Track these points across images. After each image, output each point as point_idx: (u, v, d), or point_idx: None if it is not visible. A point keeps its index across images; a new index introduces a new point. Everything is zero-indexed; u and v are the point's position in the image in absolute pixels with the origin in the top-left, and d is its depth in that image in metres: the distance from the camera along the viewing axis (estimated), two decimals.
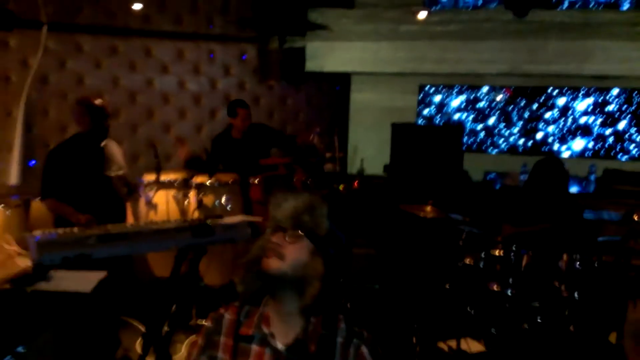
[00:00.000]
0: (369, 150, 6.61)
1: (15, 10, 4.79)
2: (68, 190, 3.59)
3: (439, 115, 6.66)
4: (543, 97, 6.30)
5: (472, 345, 3.60)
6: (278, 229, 1.57)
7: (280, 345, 1.55)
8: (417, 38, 5.95)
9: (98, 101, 3.72)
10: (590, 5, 5.65)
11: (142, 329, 4.20)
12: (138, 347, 3.98)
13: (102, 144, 3.76)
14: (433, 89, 6.67)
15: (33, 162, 5.01)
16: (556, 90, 6.26)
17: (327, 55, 6.36)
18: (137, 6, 4.93)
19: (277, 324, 1.57)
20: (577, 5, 5.67)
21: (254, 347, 1.54)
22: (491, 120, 6.50)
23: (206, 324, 1.64)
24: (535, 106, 6.34)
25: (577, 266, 3.27)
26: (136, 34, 5.70)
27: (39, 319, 1.75)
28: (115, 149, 3.93)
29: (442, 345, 3.65)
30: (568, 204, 3.67)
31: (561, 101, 6.27)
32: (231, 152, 4.83)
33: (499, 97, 5.63)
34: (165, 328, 3.26)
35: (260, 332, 1.56)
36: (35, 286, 2.01)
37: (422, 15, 4.07)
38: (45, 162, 3.72)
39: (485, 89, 6.49)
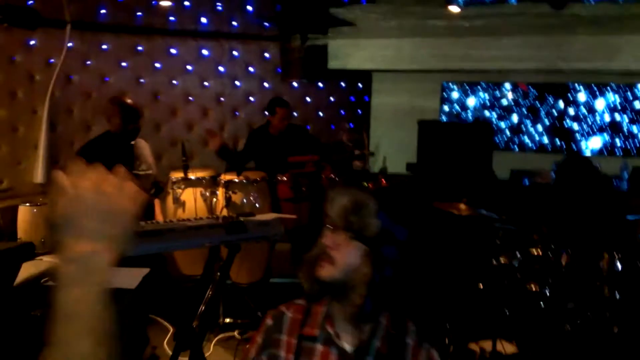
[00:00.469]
0: (390, 148, 6.54)
1: (39, 10, 4.77)
2: None
3: (462, 113, 6.57)
4: (569, 94, 6.20)
5: (505, 347, 3.52)
6: (328, 229, 1.53)
7: (347, 346, 1.49)
8: (440, 34, 5.88)
9: (130, 101, 3.70)
10: None
11: (170, 327, 4.18)
12: (166, 345, 3.96)
13: (132, 142, 3.73)
14: (456, 86, 6.59)
15: None
16: (582, 87, 6.15)
17: (349, 53, 6.30)
18: (165, 3, 4.89)
19: (342, 323, 1.51)
20: None
21: (319, 347, 1.49)
22: (516, 118, 6.41)
23: (266, 321, 1.59)
24: (561, 103, 6.23)
25: (618, 265, 3.18)
26: (158, 33, 5.68)
27: None
28: (144, 148, 3.91)
29: (474, 346, 3.58)
30: (606, 203, 3.59)
31: (588, 98, 6.16)
32: (266, 148, 4.81)
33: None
34: (195, 326, 3.25)
35: (324, 332, 1.51)
36: None
37: (455, 9, 3.99)
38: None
39: (509, 86, 6.40)
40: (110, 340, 0.82)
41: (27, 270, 3.84)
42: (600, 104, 6.10)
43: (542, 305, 3.40)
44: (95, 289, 0.83)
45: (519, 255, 3.45)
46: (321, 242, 1.53)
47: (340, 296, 1.49)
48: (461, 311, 3.65)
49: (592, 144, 6.19)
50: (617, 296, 3.15)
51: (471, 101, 6.53)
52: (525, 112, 6.35)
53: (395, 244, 1.52)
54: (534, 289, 3.30)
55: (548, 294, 3.30)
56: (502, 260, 3.39)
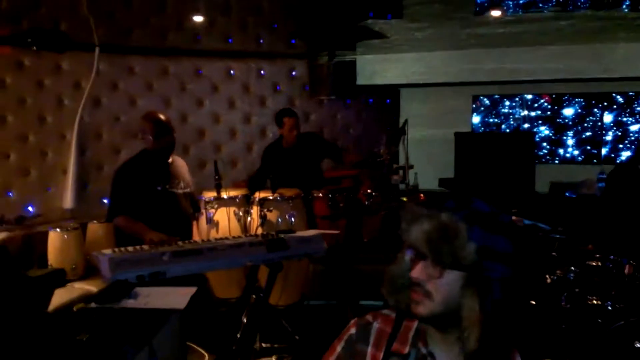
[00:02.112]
0: (420, 164, 6.36)
1: (68, 33, 4.76)
2: (136, 208, 3.45)
3: (494, 126, 6.40)
4: (606, 103, 6.00)
5: None
6: (416, 260, 1.30)
7: None
8: (470, 47, 5.76)
9: (163, 116, 3.61)
10: None
11: (204, 353, 4.02)
12: None
13: (169, 160, 3.63)
14: (487, 99, 6.43)
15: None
16: (622, 97, 5.95)
17: (377, 68, 6.21)
18: (198, 18, 4.85)
19: (438, 343, 1.32)
20: None
21: None
22: (552, 130, 6.21)
23: (350, 330, 1.41)
24: (598, 113, 6.03)
25: None
26: (186, 54, 5.65)
27: (135, 339, 1.57)
28: (182, 167, 3.80)
29: None
30: None
31: (626, 107, 5.95)
32: (282, 162, 4.68)
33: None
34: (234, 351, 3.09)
35: (416, 350, 1.33)
36: (121, 304, 1.84)
37: (496, 13, 3.88)
38: (114, 180, 3.58)
39: (544, 97, 6.23)
40: None
41: (60, 296, 3.75)
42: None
43: (602, 320, 3.19)
44: None
45: (574, 268, 3.24)
46: (409, 275, 1.31)
47: (443, 327, 1.30)
48: (518, 330, 3.44)
49: (630, 154, 5.96)
50: None
51: (508, 113, 6.36)
52: (562, 123, 6.15)
53: (499, 259, 1.28)
54: (594, 303, 3.08)
55: (610, 307, 3.08)
56: (558, 273, 3.19)
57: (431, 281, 1.27)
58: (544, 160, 6.20)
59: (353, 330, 1.40)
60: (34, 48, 4.44)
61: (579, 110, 6.09)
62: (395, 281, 1.35)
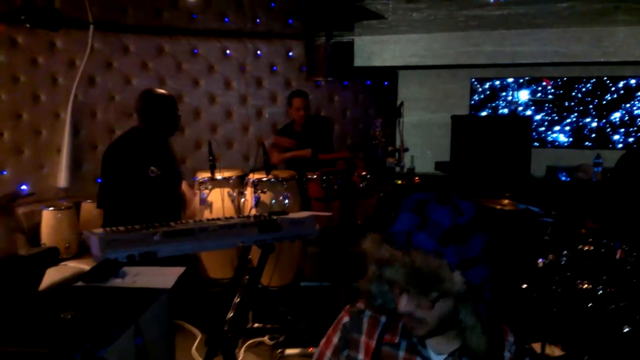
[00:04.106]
0: (417, 147, 6.34)
1: (62, 10, 4.70)
2: (141, 191, 3.33)
3: (492, 110, 6.36)
4: (605, 87, 5.96)
5: (550, 349, 3.32)
6: (402, 292, 1.24)
7: (435, 356, 1.31)
8: (469, 29, 5.70)
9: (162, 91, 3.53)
10: None
11: (198, 332, 4.04)
12: (195, 351, 3.81)
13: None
14: (486, 82, 6.39)
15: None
16: (620, 81, 5.90)
17: (375, 50, 6.15)
18: None
19: None
20: None
21: (402, 355, 1.31)
22: (550, 113, 6.18)
23: (343, 319, 1.41)
24: (597, 97, 6.00)
25: None
26: (181, 33, 5.59)
27: (121, 318, 1.57)
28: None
29: None
30: None
31: (626, 91, 5.91)
32: (295, 145, 4.67)
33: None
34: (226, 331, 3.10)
35: (407, 340, 1.32)
36: (109, 283, 1.84)
37: None
38: (116, 162, 3.40)
39: (544, 80, 6.18)
40: None
41: (52, 275, 3.75)
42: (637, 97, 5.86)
43: (593, 304, 3.20)
44: None
45: (566, 253, 3.25)
46: (397, 309, 1.27)
47: (442, 332, 1.29)
48: (507, 313, 3.45)
49: (631, 139, 5.93)
50: None
51: (502, 97, 6.32)
52: (559, 107, 6.12)
53: (479, 262, 1.22)
54: (586, 287, 3.09)
55: (600, 292, 3.09)
56: (550, 257, 3.19)
57: (421, 309, 1.23)
58: (541, 144, 6.18)
59: (346, 319, 1.40)
60: (28, 25, 4.36)
61: (577, 94, 6.05)
62: (375, 300, 1.32)
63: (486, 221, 1.25)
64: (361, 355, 1.34)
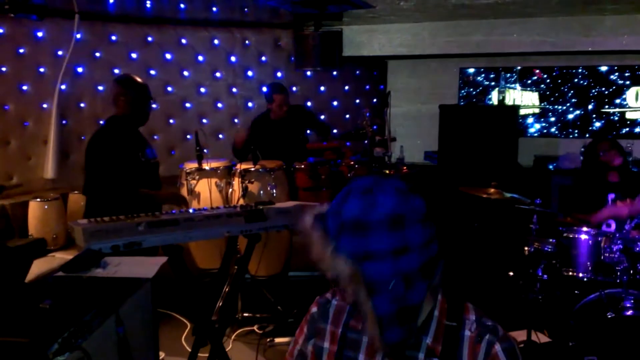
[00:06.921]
0: (406, 138, 6.34)
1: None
2: (126, 180, 3.29)
3: (480, 100, 6.36)
4: (593, 77, 5.98)
5: (538, 336, 3.35)
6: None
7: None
8: (457, 17, 5.69)
9: (139, 79, 3.48)
10: None
11: (187, 322, 4.04)
12: (184, 341, 3.82)
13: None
14: (475, 71, 6.39)
15: None
16: (609, 69, 5.92)
17: (365, 40, 6.13)
18: None
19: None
20: None
21: (365, 340, 1.31)
22: (537, 102, 6.19)
23: (312, 309, 1.42)
24: (584, 86, 6.01)
25: None
26: (168, 23, 5.54)
27: (100, 307, 1.56)
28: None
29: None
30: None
31: (614, 80, 5.93)
32: (270, 135, 4.64)
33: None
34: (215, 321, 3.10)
35: None
36: (90, 273, 1.83)
37: None
38: (100, 152, 3.30)
39: (534, 71, 6.19)
40: None
41: (39, 266, 3.73)
42: (627, 86, 5.88)
43: (579, 292, 3.23)
44: None
45: (554, 240, 3.26)
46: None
47: None
48: (493, 300, 3.47)
49: (621, 128, 5.96)
50: None
51: (491, 87, 6.32)
52: (547, 96, 6.13)
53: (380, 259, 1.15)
54: (571, 274, 3.11)
55: (585, 279, 3.12)
56: (536, 245, 3.20)
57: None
58: (528, 132, 6.21)
59: (314, 309, 1.41)
60: (11, 15, 4.31)
61: (566, 83, 6.06)
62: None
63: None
64: (326, 344, 1.34)
